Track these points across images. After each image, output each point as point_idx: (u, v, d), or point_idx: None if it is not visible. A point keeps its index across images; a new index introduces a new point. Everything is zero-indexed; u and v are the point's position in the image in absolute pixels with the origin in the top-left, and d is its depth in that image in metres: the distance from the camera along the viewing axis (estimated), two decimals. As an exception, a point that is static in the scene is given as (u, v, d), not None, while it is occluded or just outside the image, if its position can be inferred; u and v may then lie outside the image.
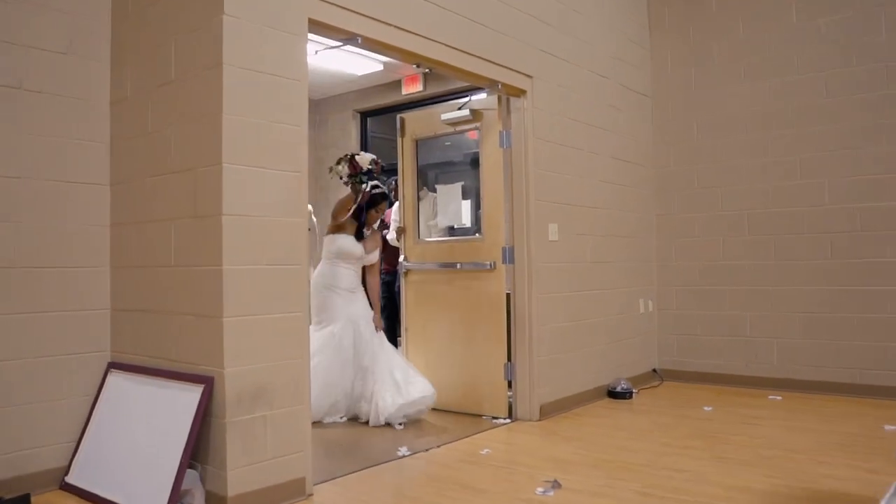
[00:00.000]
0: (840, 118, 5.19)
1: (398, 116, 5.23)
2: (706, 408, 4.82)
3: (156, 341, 3.21)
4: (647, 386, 5.67)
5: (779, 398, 5.12)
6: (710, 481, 3.22)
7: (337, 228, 4.80)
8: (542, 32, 4.72)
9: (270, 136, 3.02)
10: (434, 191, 5.28)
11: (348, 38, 3.43)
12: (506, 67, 4.39)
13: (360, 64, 6.99)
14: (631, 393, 5.26)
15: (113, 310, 3.44)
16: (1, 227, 3.10)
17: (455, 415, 4.73)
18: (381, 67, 7.07)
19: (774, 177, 5.47)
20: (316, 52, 4.15)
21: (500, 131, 4.65)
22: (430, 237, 5.14)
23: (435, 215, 5.19)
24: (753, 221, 5.56)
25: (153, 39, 3.23)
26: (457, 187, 4.94)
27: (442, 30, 3.88)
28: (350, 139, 8.22)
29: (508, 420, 4.56)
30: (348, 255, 4.77)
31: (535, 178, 4.62)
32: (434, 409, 4.71)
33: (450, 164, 5.23)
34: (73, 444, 3.29)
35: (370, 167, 4.57)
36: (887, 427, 4.16)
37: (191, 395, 2.91)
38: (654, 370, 5.95)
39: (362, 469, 3.52)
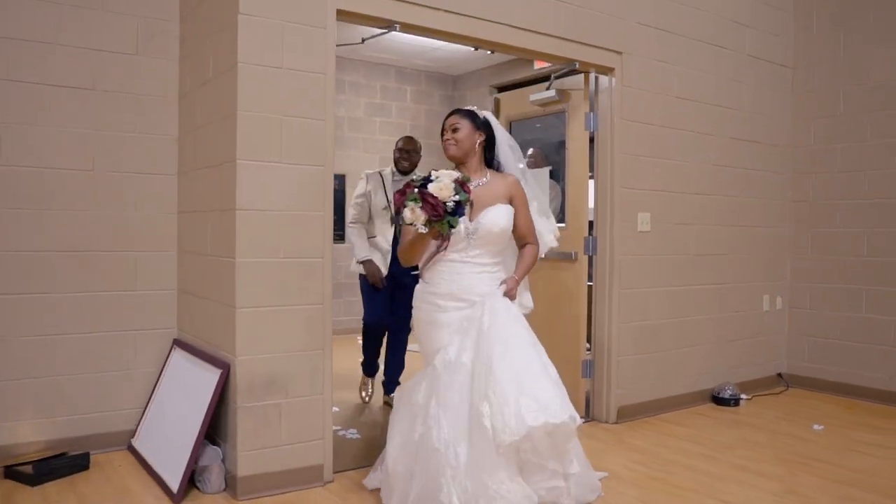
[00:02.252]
0: None
1: (494, 97, 5.09)
2: (815, 426, 4.24)
3: (199, 323, 3.45)
4: (766, 392, 5.09)
5: (918, 421, 4.38)
6: (752, 519, 2.85)
7: None
8: (639, 2, 4.32)
9: (290, 132, 3.06)
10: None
11: (385, 25, 3.37)
12: (586, 44, 4.07)
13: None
14: (738, 400, 4.76)
15: (179, 291, 3.73)
16: (85, 215, 3.48)
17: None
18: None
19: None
20: (363, 39, 4.12)
21: (585, 113, 4.35)
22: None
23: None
24: (907, 212, 4.75)
25: (198, 38, 3.40)
26: (545, 172, 4.71)
27: (497, 8, 3.68)
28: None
29: (583, 420, 4.33)
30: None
31: (622, 163, 4.28)
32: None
33: (543, 146, 4.97)
34: (141, 411, 3.65)
35: (456, 197, 2.53)
36: (815, 426, 3.42)
37: (213, 378, 3.10)
38: (780, 375, 5.33)
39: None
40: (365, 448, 3.73)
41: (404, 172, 4.44)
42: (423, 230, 2.53)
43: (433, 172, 2.58)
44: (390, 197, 4.29)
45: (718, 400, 4.79)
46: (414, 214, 2.50)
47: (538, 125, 4.95)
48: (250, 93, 2.97)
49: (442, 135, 2.93)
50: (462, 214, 2.57)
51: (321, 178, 3.16)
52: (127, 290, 3.62)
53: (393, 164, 4.53)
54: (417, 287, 2.91)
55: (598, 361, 4.35)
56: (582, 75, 4.34)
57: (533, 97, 4.66)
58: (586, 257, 4.38)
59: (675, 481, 3.29)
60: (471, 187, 2.68)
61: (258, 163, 3.00)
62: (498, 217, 2.80)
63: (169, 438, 3.24)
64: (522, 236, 2.95)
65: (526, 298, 3.06)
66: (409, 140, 4.52)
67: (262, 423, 3.04)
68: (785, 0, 5.29)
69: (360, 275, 4.46)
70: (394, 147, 4.56)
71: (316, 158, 3.15)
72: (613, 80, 4.26)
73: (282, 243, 3.07)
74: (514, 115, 4.95)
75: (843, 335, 5.07)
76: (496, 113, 5.05)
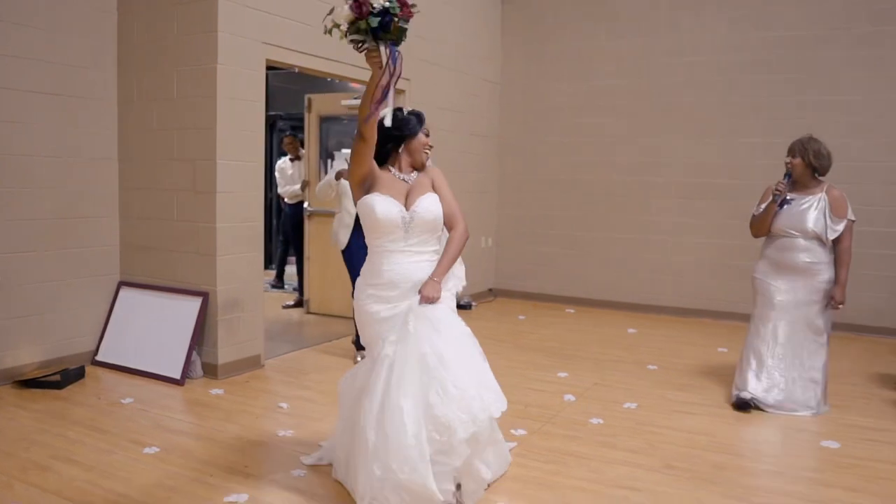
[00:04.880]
0: (628, 114, 7.35)
1: (306, 97, 6.87)
2: (520, 316, 7.05)
3: (159, 268, 4.88)
4: (485, 301, 7.84)
5: (573, 311, 7.44)
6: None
7: (365, 188, 2.97)
8: (419, 45, 6.48)
9: (240, 140, 4.69)
10: (332, 156, 6.99)
11: (288, 67, 5.09)
12: (392, 75, 6.14)
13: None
14: (471, 305, 7.40)
15: (121, 246, 5.04)
16: (54, 191, 4.62)
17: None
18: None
19: (582, 153, 7.63)
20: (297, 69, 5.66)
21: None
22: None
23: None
24: (567, 184, 7.73)
25: (159, 66, 4.74)
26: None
27: (347, 55, 5.55)
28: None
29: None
30: (381, 223, 2.90)
31: (410, 153, 6.47)
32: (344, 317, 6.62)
33: (346, 135, 6.95)
34: (98, 335, 4.95)
35: (386, 4, 2.56)
36: (630, 330, 6.52)
37: (194, 304, 4.66)
38: (490, 289, 8.14)
39: (297, 349, 5.44)
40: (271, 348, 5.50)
41: None
42: (343, 29, 2.59)
43: None
44: None
45: (460, 306, 7.36)
46: (340, 13, 2.57)
47: (345, 121, 6.88)
48: (223, 114, 4.53)
49: (408, 138, 3.04)
50: (387, 24, 2.54)
51: (257, 171, 4.85)
52: (84, 247, 4.84)
53: None
54: (358, 281, 3.03)
55: (395, 284, 6.57)
56: (384, 92, 6.39)
57: (344, 102, 6.58)
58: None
59: (462, 347, 5.71)
60: (405, 177, 3.01)
61: (227, 161, 4.59)
62: (431, 204, 2.95)
63: (155, 347, 4.69)
64: (447, 217, 3.02)
65: (459, 270, 3.19)
66: None
67: (229, 329, 4.71)
68: (495, 35, 7.90)
69: (343, 252, 5.00)
70: None
71: (255, 157, 4.82)
72: (405, 97, 6.40)
73: (238, 213, 4.71)
74: (325, 114, 6.82)
75: (531, 261, 8.00)
76: (308, 109, 6.85)
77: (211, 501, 2.96)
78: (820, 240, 4.15)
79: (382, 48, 2.63)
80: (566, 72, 7.66)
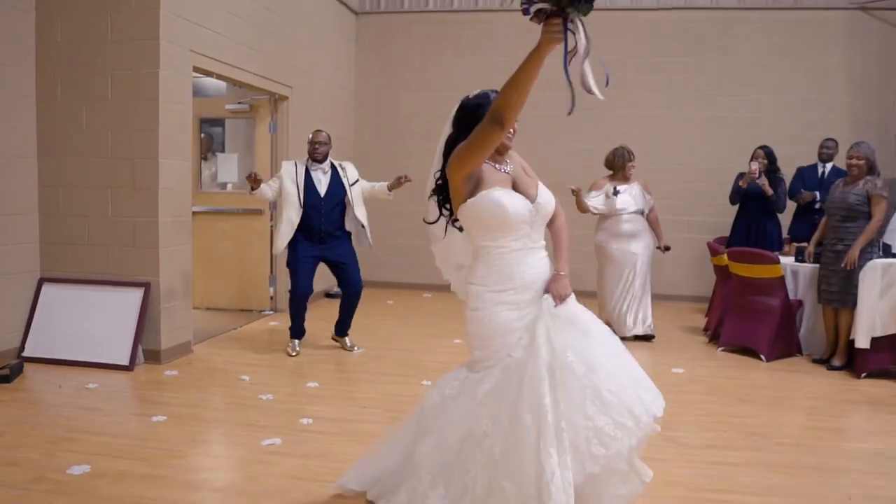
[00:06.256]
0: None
1: (186, 99, 7.12)
2: (389, 301, 7.91)
3: (86, 263, 5.05)
4: (348, 289, 8.57)
5: (430, 296, 8.43)
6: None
7: (471, 184, 2.59)
8: (299, 54, 7.06)
9: (175, 140, 5.06)
10: (214, 155, 7.32)
11: (207, 74, 5.51)
12: (277, 82, 6.67)
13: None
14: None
15: (41, 243, 5.11)
16: (-22, 188, 4.65)
17: (236, 312, 7.06)
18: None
19: (430, 156, 8.61)
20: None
21: (269, 122, 6.94)
22: (213, 189, 7.24)
23: (216, 174, 7.28)
24: (416, 182, 8.69)
25: (90, 69, 4.92)
26: (234, 157, 7.11)
27: (250, 63, 6.06)
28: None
29: (272, 311, 7.06)
30: (512, 220, 2.54)
31: (291, 150, 7.03)
32: (226, 309, 6.98)
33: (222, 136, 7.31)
34: (22, 332, 4.99)
35: None
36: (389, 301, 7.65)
37: (133, 294, 4.94)
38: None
39: (210, 338, 5.82)
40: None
41: (319, 161, 5.32)
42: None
43: None
44: (300, 182, 5.23)
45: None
46: None
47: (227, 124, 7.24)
48: (163, 116, 4.88)
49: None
50: None
51: (187, 168, 5.23)
52: (2, 245, 4.87)
53: (308, 155, 5.35)
54: (479, 292, 2.58)
55: (279, 276, 7.09)
56: (268, 96, 6.90)
57: (228, 106, 6.97)
58: (269, 211, 7.02)
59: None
60: (502, 168, 2.68)
61: (166, 160, 4.94)
62: (549, 194, 2.68)
63: (93, 338, 4.88)
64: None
65: None
66: (317, 133, 5.36)
67: (169, 317, 5.05)
68: (350, 45, 8.65)
69: (287, 250, 5.29)
70: (307, 140, 5.42)
71: (184, 156, 5.20)
72: (288, 103, 6.96)
73: (174, 207, 5.07)
74: (205, 115, 7.12)
75: (387, 255, 8.85)
76: (187, 110, 7.11)
77: (249, 446, 3.52)
78: (641, 213, 5.99)
79: (578, 20, 2.34)
80: (415, 83, 8.64)
